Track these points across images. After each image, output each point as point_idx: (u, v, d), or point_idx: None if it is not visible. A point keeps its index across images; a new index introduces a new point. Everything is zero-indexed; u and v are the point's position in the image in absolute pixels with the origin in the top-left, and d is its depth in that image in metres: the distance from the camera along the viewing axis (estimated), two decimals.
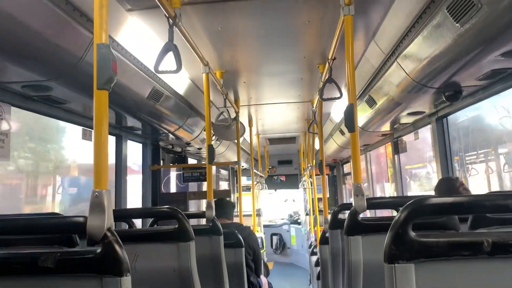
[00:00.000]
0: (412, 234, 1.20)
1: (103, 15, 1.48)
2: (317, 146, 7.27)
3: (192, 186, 7.26)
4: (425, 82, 3.08)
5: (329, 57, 3.24)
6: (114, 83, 1.46)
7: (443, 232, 1.94)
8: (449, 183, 3.11)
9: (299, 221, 12.86)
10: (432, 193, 3.52)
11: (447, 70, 2.78)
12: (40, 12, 2.04)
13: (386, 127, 5.15)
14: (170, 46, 2.40)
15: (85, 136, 3.80)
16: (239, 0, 2.72)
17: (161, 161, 5.77)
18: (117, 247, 1.32)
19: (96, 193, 1.37)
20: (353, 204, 2.19)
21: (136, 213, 2.87)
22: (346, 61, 2.37)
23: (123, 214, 2.40)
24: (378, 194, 7.66)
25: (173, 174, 6.68)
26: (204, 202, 4.83)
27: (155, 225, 3.09)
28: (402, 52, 2.96)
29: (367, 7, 2.83)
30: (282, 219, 13.88)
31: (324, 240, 3.65)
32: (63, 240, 2.01)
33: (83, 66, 2.46)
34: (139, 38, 3.02)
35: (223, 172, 11.37)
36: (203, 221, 3.06)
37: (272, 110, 6.47)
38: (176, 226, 2.18)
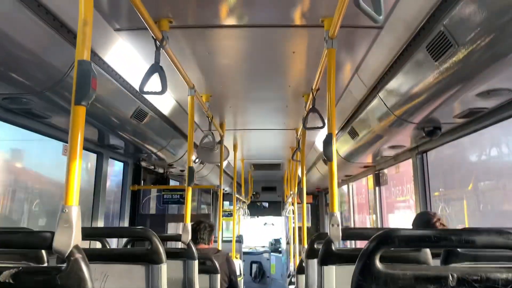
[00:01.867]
0: (380, 265, 1.21)
1: (87, 32, 1.50)
2: (300, 173, 7.28)
3: (173, 208, 7.18)
4: (406, 117, 3.15)
5: (313, 87, 3.30)
6: (99, 100, 1.47)
7: (412, 265, 1.95)
8: (425, 218, 3.14)
9: (280, 249, 12.74)
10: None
11: (426, 107, 2.85)
12: (27, 26, 2.05)
13: (368, 159, 5.21)
14: (156, 68, 2.42)
15: (65, 152, 3.76)
16: (228, 27, 2.77)
17: (142, 181, 5.71)
18: (83, 265, 1.29)
19: (65, 209, 1.35)
20: (329, 234, 2.19)
21: (107, 232, 2.82)
22: (327, 92, 2.41)
23: (94, 233, 2.36)
24: (359, 225, 7.66)
25: (153, 195, 6.61)
26: (182, 225, 4.78)
27: (128, 246, 3.04)
28: (384, 87, 3.04)
29: (351, 41, 2.91)
30: (263, 246, 13.73)
31: (300, 270, 3.63)
32: (31, 256, 1.96)
33: (67, 82, 2.46)
34: (126, 58, 3.04)
35: (206, 195, 11.28)
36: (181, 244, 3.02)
37: (258, 135, 6.51)
38: (149, 247, 2.15)
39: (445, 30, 2.06)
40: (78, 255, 1.30)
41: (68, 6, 2.18)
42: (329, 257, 2.15)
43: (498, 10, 1.78)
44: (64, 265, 1.30)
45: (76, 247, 1.32)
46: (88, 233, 2.25)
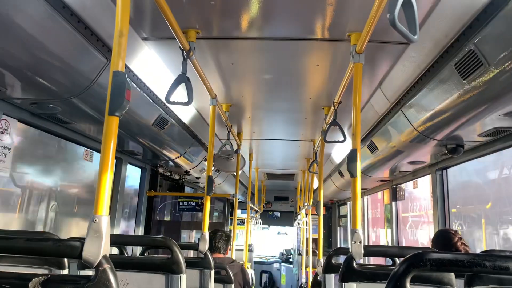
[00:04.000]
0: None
1: (122, 43, 1.52)
2: (315, 185, 7.25)
3: (186, 215, 7.19)
4: (428, 134, 3.12)
5: (335, 101, 3.29)
6: None
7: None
8: (447, 236, 3.07)
9: (290, 260, 12.64)
10: (428, 243, 3.48)
11: (450, 124, 2.82)
12: (58, 33, 2.08)
13: (385, 174, 5.16)
14: (183, 78, 2.44)
15: (86, 157, 3.80)
16: (252, 39, 2.78)
17: (159, 187, 5.74)
18: (111, 276, 1.30)
19: (96, 219, 1.36)
20: (350, 250, 2.17)
21: (130, 240, 2.83)
22: (353, 108, 2.40)
23: (117, 241, 2.37)
24: (373, 239, 7.58)
25: (169, 202, 6.63)
26: (195, 233, 4.78)
27: (146, 253, 3.04)
28: (407, 102, 3.01)
29: (376, 56, 2.89)
30: (274, 256, 13.65)
31: (316, 283, 3.59)
32: (52, 261, 1.98)
33: (93, 89, 2.50)
34: (151, 66, 3.08)
35: (218, 203, 11.28)
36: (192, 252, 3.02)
37: (274, 145, 6.50)
38: (169, 256, 2.15)
39: (476, 48, 2.04)
40: (106, 265, 1.31)
41: (101, 15, 2.22)
42: (350, 274, 2.13)
43: None
44: (92, 274, 1.31)
45: (105, 257, 1.33)
46: (112, 240, 2.26)
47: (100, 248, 1.32)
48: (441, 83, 2.51)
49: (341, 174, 6.47)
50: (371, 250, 2.48)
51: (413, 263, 1.23)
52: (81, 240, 1.36)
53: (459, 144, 3.28)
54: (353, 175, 2.33)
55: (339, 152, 6.05)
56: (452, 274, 2.05)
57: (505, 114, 2.50)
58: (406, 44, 2.65)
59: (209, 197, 3.28)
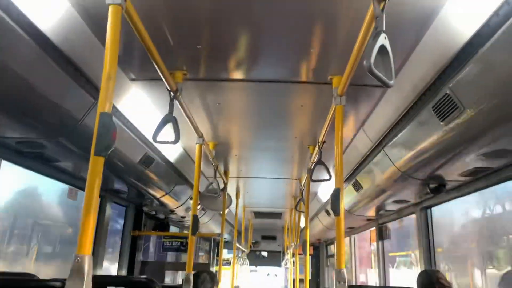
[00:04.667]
0: None
1: (110, 86, 1.56)
2: (302, 224, 7.21)
3: (170, 255, 7.05)
4: (410, 173, 3.18)
5: (320, 140, 3.36)
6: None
7: None
8: (428, 277, 3.12)
9: None
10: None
11: (431, 164, 2.89)
12: (47, 74, 2.13)
13: (371, 212, 5.19)
14: (170, 118, 2.49)
15: (71, 195, 3.77)
16: (238, 81, 2.86)
17: (143, 227, 5.66)
18: None
19: (78, 258, 1.35)
20: None
21: (112, 281, 2.77)
22: (335, 147, 2.46)
23: (100, 281, 2.32)
24: (361, 279, 7.49)
25: (153, 241, 6.52)
26: (180, 273, 4.68)
27: None
28: (389, 143, 3.09)
29: (358, 98, 2.99)
30: None
31: None
32: None
33: (81, 128, 2.52)
34: (138, 106, 3.12)
35: (204, 242, 11.09)
36: None
37: (261, 184, 6.51)
38: None
39: (451, 92, 2.14)
40: None
41: (90, 57, 2.28)
42: None
43: (504, 75, 1.85)
44: None
45: None
46: (94, 281, 2.22)
47: None
48: (420, 125, 2.59)
49: (328, 213, 6.47)
50: None
51: None
52: (63, 280, 1.35)
53: (441, 184, 3.34)
54: (337, 213, 2.36)
55: (325, 190, 6.08)
56: None
57: (483, 155, 2.57)
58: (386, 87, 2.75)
59: (194, 237, 3.26)
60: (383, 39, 1.53)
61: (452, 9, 1.91)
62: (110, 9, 1.63)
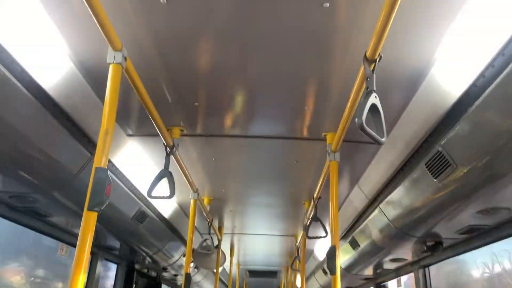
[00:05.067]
0: None
1: (107, 141, 1.59)
2: (298, 283, 7.00)
3: None
4: (407, 230, 3.15)
5: (315, 196, 3.35)
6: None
7: None
8: None
9: None
10: None
11: (427, 221, 2.87)
12: (46, 129, 2.16)
13: (369, 271, 5.06)
14: (165, 173, 2.50)
15: (62, 251, 3.67)
16: (234, 136, 2.91)
17: (134, 285, 5.46)
18: None
19: None
20: None
21: None
22: (330, 204, 2.46)
23: None
24: None
25: None
26: None
27: None
28: (384, 200, 3.09)
29: (353, 154, 3.03)
30: None
31: None
32: None
33: (75, 183, 2.52)
34: (134, 161, 3.14)
35: None
36: None
37: (256, 240, 6.39)
38: None
39: (443, 150, 2.17)
40: None
41: (89, 112, 2.32)
42: None
43: (493, 133, 1.89)
44: None
45: None
46: None
47: None
48: (414, 182, 2.61)
49: (325, 272, 6.31)
50: None
51: None
52: None
53: (438, 241, 3.30)
54: (332, 272, 2.31)
55: (321, 248, 5.96)
56: None
57: (478, 212, 2.57)
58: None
59: None
60: (374, 98, 1.58)
61: (440, 70, 1.99)
62: (111, 68, 1.69)
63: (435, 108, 2.17)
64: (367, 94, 1.59)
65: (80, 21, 1.77)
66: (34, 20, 1.74)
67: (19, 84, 1.82)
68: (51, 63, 1.97)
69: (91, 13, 1.45)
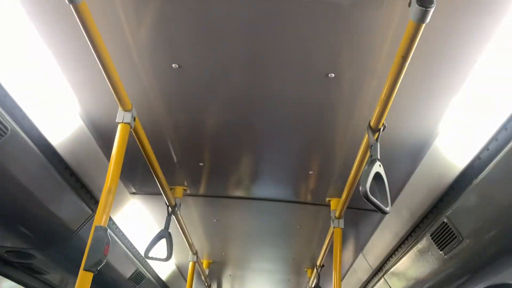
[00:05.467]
0: None
1: (109, 199, 1.58)
2: None
3: None
4: None
5: (318, 264, 3.26)
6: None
7: None
8: None
9: None
10: None
11: None
12: (49, 184, 2.15)
13: None
14: (164, 233, 2.46)
15: None
16: (237, 198, 2.89)
17: None
18: None
19: None
20: None
21: None
22: (334, 272, 2.38)
23: None
24: None
25: None
26: None
27: None
28: (389, 270, 2.99)
29: (357, 221, 2.98)
30: None
31: None
32: None
33: (74, 240, 2.48)
34: (135, 219, 3.10)
35: None
36: None
37: None
38: None
39: (448, 221, 2.13)
40: None
41: (93, 170, 2.33)
42: None
43: (499, 206, 1.86)
44: None
45: None
46: None
47: None
48: (419, 253, 2.53)
49: None
50: None
51: None
52: None
53: None
54: None
55: None
56: None
57: (489, 287, 2.47)
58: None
59: None
60: (378, 167, 1.58)
61: (444, 142, 2.00)
62: (119, 127, 1.72)
63: (439, 179, 2.16)
64: (371, 162, 1.60)
65: (92, 81, 1.83)
66: (48, 78, 1.81)
67: (27, 139, 1.85)
68: (61, 120, 2.02)
69: (103, 73, 1.50)
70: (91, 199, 2.43)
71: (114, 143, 1.69)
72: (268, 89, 1.85)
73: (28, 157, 1.93)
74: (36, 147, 1.92)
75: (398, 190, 2.43)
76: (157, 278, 4.00)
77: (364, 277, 3.55)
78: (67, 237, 2.45)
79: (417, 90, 1.77)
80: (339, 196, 2.46)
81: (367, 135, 1.66)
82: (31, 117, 1.84)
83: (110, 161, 1.66)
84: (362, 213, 2.84)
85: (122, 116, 1.72)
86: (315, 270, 3.42)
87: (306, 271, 4.09)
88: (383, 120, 1.55)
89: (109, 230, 2.51)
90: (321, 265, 3.25)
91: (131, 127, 1.76)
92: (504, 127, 1.65)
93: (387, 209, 1.57)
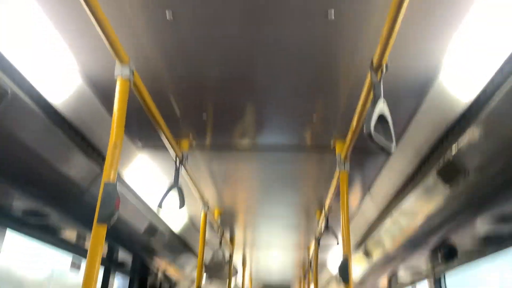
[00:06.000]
0: None
1: (115, 154, 1.59)
2: None
3: None
4: (420, 240, 3.10)
5: (326, 207, 3.33)
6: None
7: None
8: None
9: None
10: None
11: (440, 230, 2.82)
12: (55, 145, 2.18)
13: (383, 282, 4.98)
14: (175, 186, 2.50)
15: (74, 266, 3.68)
16: (244, 150, 2.90)
17: None
18: None
19: None
20: None
21: None
22: (341, 214, 2.43)
23: None
24: None
25: None
26: None
27: None
28: (396, 209, 3.05)
29: (362, 163, 3.00)
30: None
31: None
32: None
33: (86, 198, 2.53)
34: (144, 174, 3.15)
35: None
36: None
37: (267, 252, 6.34)
38: None
39: (454, 157, 2.14)
40: None
41: (97, 127, 2.34)
42: None
43: (505, 138, 1.85)
44: None
45: None
46: None
47: None
48: (426, 190, 2.57)
49: (339, 283, 6.23)
50: None
51: None
52: None
53: (453, 250, 3.24)
54: (346, 281, 2.27)
55: (334, 259, 5.90)
56: None
57: (493, 219, 2.52)
58: None
59: None
60: (381, 106, 1.57)
61: (449, 77, 1.97)
62: (118, 81, 1.71)
63: (444, 115, 2.15)
64: (375, 102, 1.58)
65: (88, 37, 1.79)
66: (43, 37, 1.77)
67: (28, 101, 1.84)
68: (60, 79, 2.00)
69: (97, 28, 1.47)
70: (99, 157, 2.45)
71: (115, 98, 1.68)
72: (267, 34, 1.81)
73: (31, 119, 1.93)
74: (38, 108, 1.92)
75: (403, 129, 2.43)
76: (171, 230, 4.12)
77: (372, 217, 3.63)
78: (79, 195, 2.51)
79: (418, 25, 1.72)
80: (344, 139, 2.46)
81: (369, 75, 1.63)
82: (29, 78, 1.82)
83: (113, 116, 1.66)
84: (367, 154, 2.85)
85: (120, 70, 1.70)
86: (323, 213, 3.50)
87: (316, 214, 4.18)
88: (385, 58, 1.51)
89: (119, 186, 2.57)
90: (329, 207, 3.32)
91: (130, 81, 1.74)
92: (510, 58, 1.61)
93: (392, 149, 1.57)
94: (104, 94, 2.18)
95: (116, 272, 4.55)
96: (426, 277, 4.21)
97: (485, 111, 1.84)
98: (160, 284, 5.75)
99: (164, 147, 2.49)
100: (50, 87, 1.95)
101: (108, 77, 1.85)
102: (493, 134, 1.91)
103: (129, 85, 1.74)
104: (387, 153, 1.55)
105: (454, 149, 2.12)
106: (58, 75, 1.99)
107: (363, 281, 5.01)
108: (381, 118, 1.61)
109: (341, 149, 2.54)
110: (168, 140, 2.36)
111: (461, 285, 4.19)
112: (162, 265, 4.62)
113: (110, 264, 4.38)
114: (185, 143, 2.71)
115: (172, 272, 4.96)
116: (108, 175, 1.53)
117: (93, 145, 2.43)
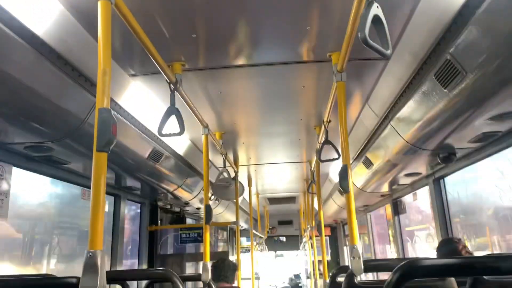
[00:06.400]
0: None
1: (106, 81, 1.57)
2: (316, 206, 7.23)
3: (190, 247, 7.13)
4: (419, 145, 3.15)
5: (325, 120, 3.34)
6: (116, 144, 1.53)
7: None
8: (450, 245, 3.03)
9: (300, 285, 12.45)
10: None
11: (439, 133, 2.86)
12: (45, 76, 2.14)
13: (384, 188, 5.17)
14: (172, 110, 2.49)
15: (84, 196, 3.81)
16: (237, 67, 2.85)
17: (159, 221, 5.72)
18: None
19: (90, 254, 1.38)
20: (350, 267, 2.16)
21: (130, 274, 2.81)
22: (340, 124, 2.45)
23: (116, 276, 2.36)
24: (380, 256, 7.50)
25: (171, 235, 6.59)
26: (201, 263, 4.74)
27: None
28: (395, 116, 3.06)
29: (359, 73, 2.96)
30: (283, 282, 13.45)
31: None
32: None
33: (85, 128, 2.54)
34: (141, 101, 3.14)
35: (222, 232, 11.19)
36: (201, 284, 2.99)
37: (271, 170, 6.52)
38: None
39: (452, 58, 2.10)
40: None
41: (86, 56, 2.28)
42: None
43: (503, 35, 1.81)
44: None
45: None
46: (111, 277, 2.26)
47: (96, 283, 1.33)
48: (424, 94, 2.56)
49: (341, 193, 6.47)
50: (371, 265, 2.45)
51: (405, 272, 1.24)
52: (78, 277, 1.37)
53: (451, 152, 3.31)
54: (346, 190, 2.35)
55: (336, 170, 6.06)
56: (453, 282, 2.04)
57: (490, 119, 2.54)
58: (387, 59, 2.72)
59: (208, 226, 3.28)
60: (376, 9, 1.51)
61: None
62: (99, 5, 1.63)
63: (441, 15, 2.07)
64: (368, 5, 1.53)
65: None
66: None
67: (10, 32, 1.77)
68: (39, 6, 1.91)
69: None
70: (92, 86, 2.42)
71: (98, 23, 1.62)
72: None
73: (17, 51, 1.88)
74: (22, 40, 1.86)
75: (399, 33, 2.35)
76: (175, 154, 4.19)
77: (371, 126, 3.66)
78: (78, 126, 2.52)
79: None
80: (340, 49, 2.40)
81: None
82: (7, 7, 1.73)
83: (98, 42, 1.61)
84: (364, 63, 2.80)
85: None
86: (323, 127, 3.52)
87: (315, 128, 4.22)
88: None
89: (115, 113, 2.56)
90: (328, 120, 3.33)
91: (112, 4, 1.66)
92: None
93: (388, 52, 1.54)
94: (88, 20, 2.09)
95: (127, 200, 4.73)
96: (426, 181, 4.36)
97: (483, 6, 1.77)
98: (171, 206, 6.01)
99: (158, 72, 2.45)
100: (30, 15, 1.86)
101: (89, 1, 1.76)
102: (492, 30, 1.85)
103: (111, 7, 1.66)
104: (383, 56, 1.52)
105: (451, 49, 2.08)
106: (35, 3, 1.89)
107: (364, 189, 5.20)
108: (376, 22, 1.56)
109: (337, 60, 2.49)
110: (159, 64, 2.31)
111: (460, 188, 4.35)
112: (171, 188, 4.78)
113: (120, 192, 4.54)
114: (177, 66, 2.66)
115: (181, 194, 5.14)
116: (101, 102, 1.53)
117: (85, 75, 2.38)
